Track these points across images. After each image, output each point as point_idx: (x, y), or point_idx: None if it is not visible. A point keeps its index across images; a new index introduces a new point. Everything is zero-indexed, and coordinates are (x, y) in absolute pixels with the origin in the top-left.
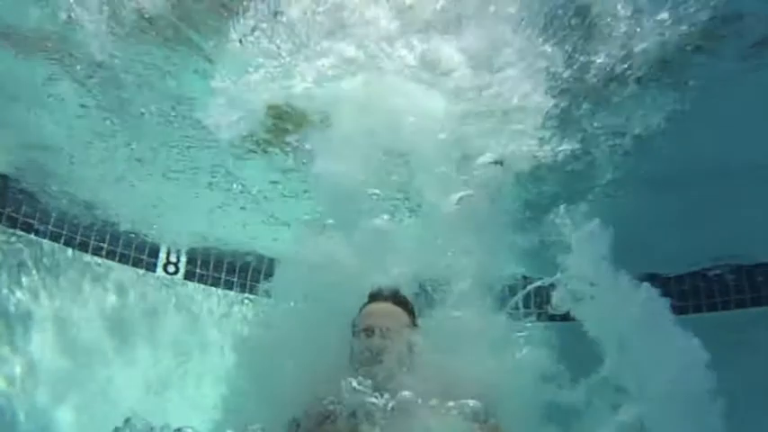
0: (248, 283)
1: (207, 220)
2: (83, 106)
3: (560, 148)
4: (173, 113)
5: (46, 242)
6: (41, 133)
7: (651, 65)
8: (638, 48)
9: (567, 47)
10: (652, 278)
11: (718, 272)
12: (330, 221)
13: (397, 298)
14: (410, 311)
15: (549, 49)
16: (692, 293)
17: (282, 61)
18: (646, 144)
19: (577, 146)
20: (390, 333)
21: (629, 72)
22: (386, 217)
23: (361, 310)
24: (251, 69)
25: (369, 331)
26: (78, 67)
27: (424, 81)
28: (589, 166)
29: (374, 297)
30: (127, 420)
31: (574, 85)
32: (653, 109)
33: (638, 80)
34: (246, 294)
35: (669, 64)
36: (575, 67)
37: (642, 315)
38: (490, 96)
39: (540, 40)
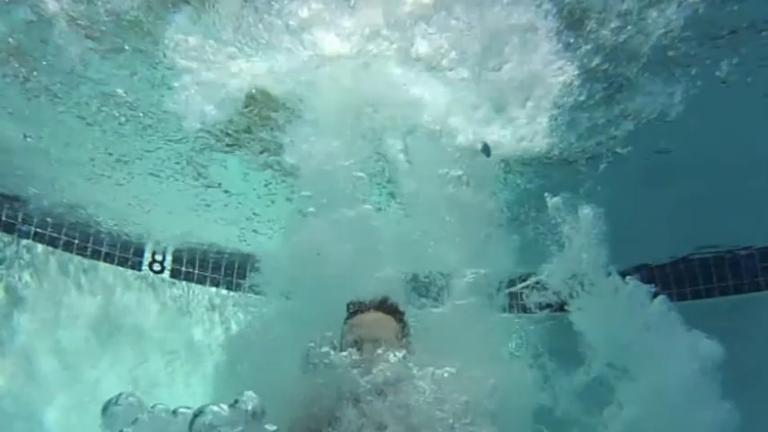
0: (234, 280)
1: (191, 219)
2: (55, 108)
3: (556, 140)
4: (145, 108)
5: (29, 243)
6: (19, 135)
7: (654, 56)
8: (642, 38)
9: (570, 37)
10: (639, 268)
11: (701, 259)
12: (311, 210)
13: (384, 306)
14: (399, 317)
15: (550, 42)
16: (675, 281)
17: (259, 50)
18: (639, 137)
19: (573, 138)
20: (380, 344)
21: (631, 63)
22: (369, 206)
23: (346, 321)
24: (223, 59)
25: (358, 344)
26: (46, 70)
27: (419, 69)
28: (582, 159)
29: (360, 307)
30: (120, 396)
31: (575, 76)
32: (652, 101)
33: (641, 70)
34: (233, 292)
35: (672, 57)
36: (577, 57)
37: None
38: (485, 85)
39: (543, 30)
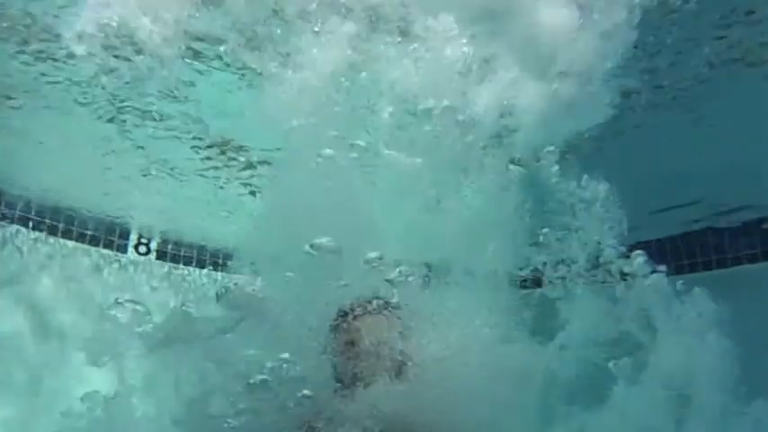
0: (221, 260)
1: (174, 200)
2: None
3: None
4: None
5: (14, 227)
6: None
7: None
8: None
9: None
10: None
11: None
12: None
13: (375, 304)
14: (393, 311)
15: None
16: (659, 256)
17: None
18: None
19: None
20: (376, 346)
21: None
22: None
23: (338, 325)
24: None
25: (352, 345)
26: None
27: None
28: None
29: (348, 312)
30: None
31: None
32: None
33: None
34: (219, 272)
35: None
36: None
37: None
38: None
39: None
